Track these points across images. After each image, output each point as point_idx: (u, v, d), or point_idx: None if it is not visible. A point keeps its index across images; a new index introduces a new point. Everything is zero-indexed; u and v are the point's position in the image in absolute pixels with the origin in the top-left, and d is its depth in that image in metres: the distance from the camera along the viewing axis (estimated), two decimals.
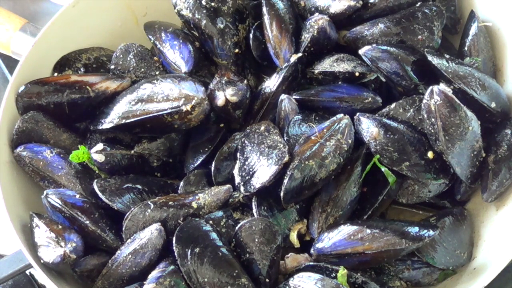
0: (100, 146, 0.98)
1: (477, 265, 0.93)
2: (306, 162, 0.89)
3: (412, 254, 0.91)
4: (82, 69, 1.14)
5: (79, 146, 1.00)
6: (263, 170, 0.90)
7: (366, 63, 1.01)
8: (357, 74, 1.02)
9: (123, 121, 0.99)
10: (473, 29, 1.04)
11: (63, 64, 1.13)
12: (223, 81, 1.04)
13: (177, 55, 1.08)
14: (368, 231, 0.86)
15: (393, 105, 0.98)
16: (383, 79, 1.01)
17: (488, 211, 0.98)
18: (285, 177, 0.89)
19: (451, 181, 0.96)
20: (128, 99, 1.01)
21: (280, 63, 1.06)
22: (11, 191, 0.98)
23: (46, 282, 0.88)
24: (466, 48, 1.05)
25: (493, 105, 0.96)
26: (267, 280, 0.86)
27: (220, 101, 1.01)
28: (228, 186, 0.93)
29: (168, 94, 0.98)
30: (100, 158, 0.98)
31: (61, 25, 1.12)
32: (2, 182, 0.97)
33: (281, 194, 0.89)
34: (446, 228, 0.93)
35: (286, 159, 0.89)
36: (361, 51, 1.00)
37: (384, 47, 0.99)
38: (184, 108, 0.96)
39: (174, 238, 0.84)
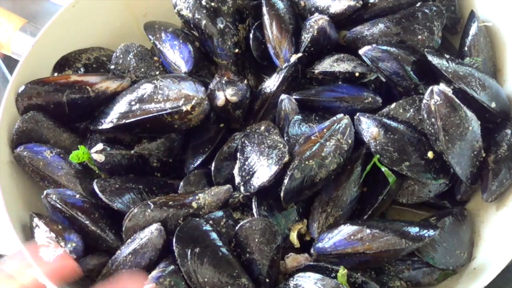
0: (100, 146, 0.98)
1: (477, 265, 0.93)
2: (306, 162, 0.89)
3: (412, 254, 0.91)
4: (82, 69, 1.14)
5: (79, 146, 1.00)
6: (263, 170, 0.90)
7: (366, 63, 1.01)
8: (357, 74, 1.02)
9: (123, 121, 0.99)
10: (473, 29, 1.04)
11: (63, 64, 1.13)
12: (223, 81, 1.04)
13: (177, 55, 1.08)
14: (368, 231, 0.86)
15: (393, 105, 0.98)
16: (383, 79, 1.01)
17: (488, 211, 0.98)
18: (285, 177, 0.89)
19: (451, 181, 0.96)
20: (128, 99, 1.01)
21: (280, 63, 1.06)
22: (11, 191, 0.98)
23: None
24: (466, 48, 1.05)
25: (493, 105, 0.96)
26: (267, 280, 0.86)
27: (220, 101, 1.01)
28: (228, 186, 0.93)
29: (168, 94, 0.98)
30: (100, 158, 0.97)
31: (61, 25, 1.12)
32: (2, 182, 0.96)
33: (281, 194, 0.89)
34: (446, 228, 0.93)
35: (286, 159, 0.89)
36: (361, 51, 1.00)
37: (384, 47, 0.99)
38: (184, 108, 0.96)
39: (174, 238, 0.84)
